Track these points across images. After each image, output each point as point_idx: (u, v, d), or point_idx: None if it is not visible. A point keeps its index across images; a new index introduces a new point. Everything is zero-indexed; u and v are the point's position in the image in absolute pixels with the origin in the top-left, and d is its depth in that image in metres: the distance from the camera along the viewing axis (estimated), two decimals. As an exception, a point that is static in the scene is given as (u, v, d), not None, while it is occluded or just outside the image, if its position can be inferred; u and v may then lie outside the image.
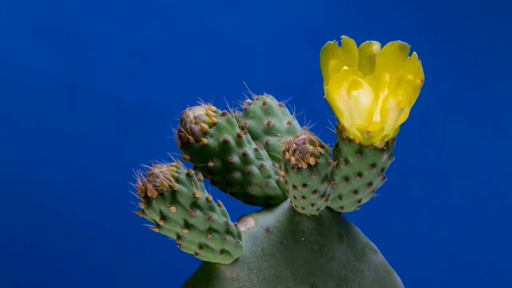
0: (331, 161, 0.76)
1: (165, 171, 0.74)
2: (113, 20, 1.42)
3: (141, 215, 0.75)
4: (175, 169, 0.75)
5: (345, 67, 0.73)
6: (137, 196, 0.75)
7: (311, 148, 0.75)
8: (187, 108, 0.81)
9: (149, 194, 0.74)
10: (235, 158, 0.80)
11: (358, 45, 0.75)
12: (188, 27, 1.44)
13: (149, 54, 1.43)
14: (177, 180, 0.74)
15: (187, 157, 0.80)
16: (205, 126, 0.80)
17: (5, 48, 1.40)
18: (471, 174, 1.46)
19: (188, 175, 0.75)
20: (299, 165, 0.75)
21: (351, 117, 0.74)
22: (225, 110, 0.81)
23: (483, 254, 1.46)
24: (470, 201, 1.46)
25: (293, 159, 0.75)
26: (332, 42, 0.74)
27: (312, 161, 0.75)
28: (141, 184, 0.75)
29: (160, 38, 1.43)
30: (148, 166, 0.75)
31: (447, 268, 1.46)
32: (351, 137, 0.76)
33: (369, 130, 0.75)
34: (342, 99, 0.73)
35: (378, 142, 0.76)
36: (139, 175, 0.75)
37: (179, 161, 0.76)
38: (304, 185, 0.75)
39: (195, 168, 0.80)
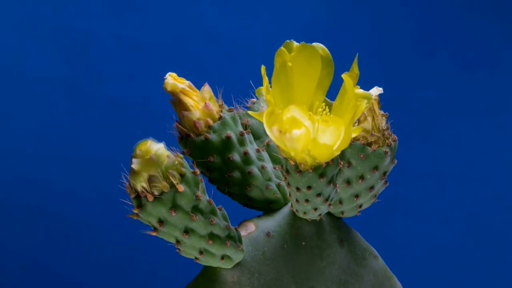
0: (341, 162, 0.71)
1: (171, 161, 0.67)
2: (114, 20, 1.41)
3: (135, 218, 0.70)
4: (181, 160, 0.68)
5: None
6: (126, 200, 0.69)
7: None
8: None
9: (142, 195, 0.66)
10: (236, 156, 0.78)
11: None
12: (190, 27, 1.44)
13: (150, 55, 1.42)
14: (183, 176, 0.68)
15: (186, 151, 0.77)
16: (210, 121, 0.76)
17: (6, 48, 1.39)
18: (471, 180, 1.46)
19: (194, 173, 0.70)
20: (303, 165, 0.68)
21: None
22: (232, 107, 0.80)
23: (484, 259, 1.46)
24: (471, 207, 1.46)
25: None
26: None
27: None
28: (128, 184, 0.68)
29: (161, 38, 1.43)
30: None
31: (448, 274, 1.46)
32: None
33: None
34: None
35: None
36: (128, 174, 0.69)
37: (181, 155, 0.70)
38: (309, 187, 0.71)
39: (193, 163, 0.76)
